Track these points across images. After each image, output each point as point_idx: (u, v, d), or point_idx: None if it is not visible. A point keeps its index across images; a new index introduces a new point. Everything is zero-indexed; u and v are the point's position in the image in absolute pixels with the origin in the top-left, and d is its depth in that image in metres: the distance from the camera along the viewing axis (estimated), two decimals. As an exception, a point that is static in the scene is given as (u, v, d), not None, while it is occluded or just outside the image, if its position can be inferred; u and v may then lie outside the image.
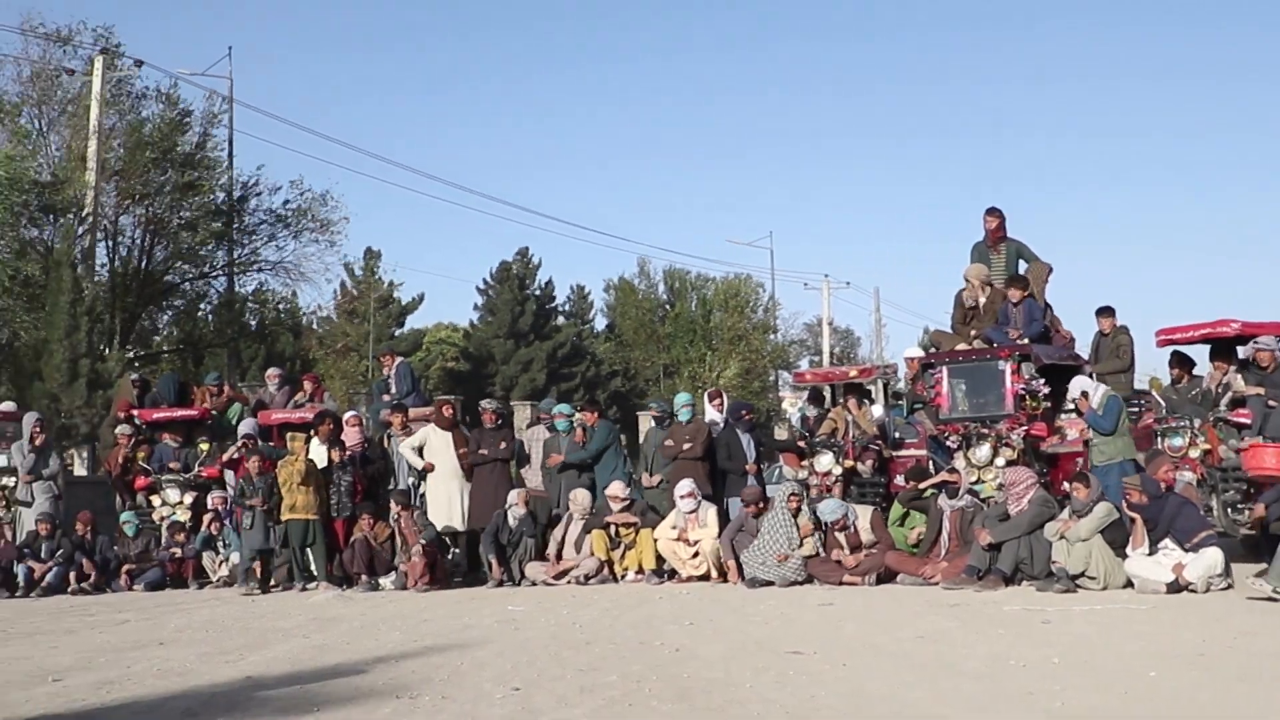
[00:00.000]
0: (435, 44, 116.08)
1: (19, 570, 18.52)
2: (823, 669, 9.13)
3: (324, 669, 9.89)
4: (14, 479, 20.33)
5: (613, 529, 17.78)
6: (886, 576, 15.99)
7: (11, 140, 35.39)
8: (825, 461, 17.78)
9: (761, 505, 16.73)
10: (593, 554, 17.63)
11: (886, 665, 9.27)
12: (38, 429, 20.30)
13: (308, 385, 22.34)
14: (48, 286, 32.18)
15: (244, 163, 56.34)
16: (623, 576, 17.70)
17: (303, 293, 43.06)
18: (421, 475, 19.12)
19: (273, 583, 18.21)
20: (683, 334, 60.02)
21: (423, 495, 19.00)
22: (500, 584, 17.61)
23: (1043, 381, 17.09)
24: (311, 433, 19.10)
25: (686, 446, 18.33)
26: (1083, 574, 14.22)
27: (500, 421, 19.64)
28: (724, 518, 17.54)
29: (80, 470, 29.24)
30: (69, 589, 18.42)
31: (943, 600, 13.78)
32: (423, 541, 17.53)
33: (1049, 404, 17.22)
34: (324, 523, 18.12)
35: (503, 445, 19.02)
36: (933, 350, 19.35)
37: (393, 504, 18.15)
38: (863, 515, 16.44)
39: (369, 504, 18.42)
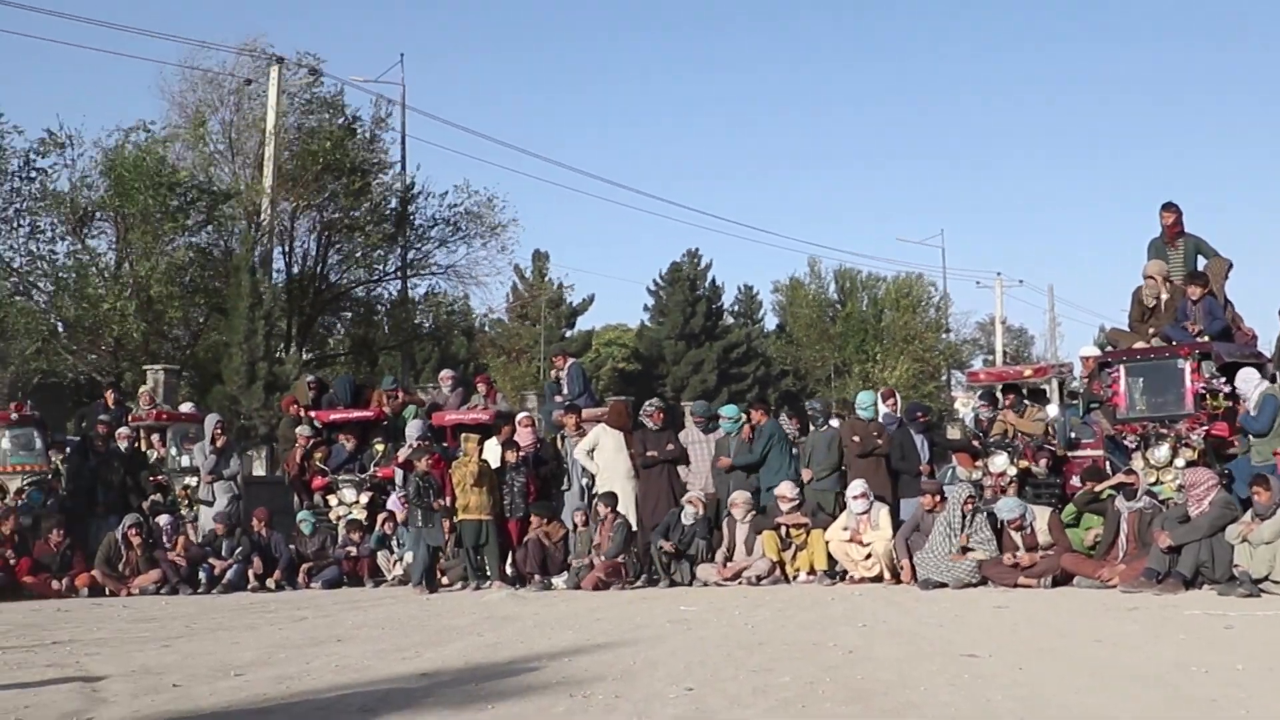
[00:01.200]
0: (604, 46, 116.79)
1: (201, 567, 18.90)
2: (998, 672, 9.00)
3: (498, 666, 9.95)
4: (196, 479, 20.79)
5: (783, 530, 17.72)
6: (1063, 579, 15.74)
7: (199, 153, 36.26)
8: (1000, 462, 17.57)
9: (939, 500, 16.56)
10: (764, 555, 17.58)
11: (1063, 669, 9.11)
12: (219, 430, 20.73)
13: (481, 387, 22.52)
14: (227, 292, 32.86)
15: (416, 165, 57.11)
16: (794, 578, 17.63)
17: (474, 295, 43.39)
18: (594, 476, 19.20)
19: (445, 582, 18.40)
20: (854, 333, 59.63)
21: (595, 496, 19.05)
22: (671, 584, 17.63)
23: (1224, 380, 16.73)
24: (494, 435, 19.31)
25: (879, 442, 18.20)
26: (1266, 578, 13.88)
27: (667, 422, 19.62)
28: (896, 519, 17.39)
29: (259, 470, 29.85)
30: (249, 586, 18.77)
31: (1121, 604, 13.52)
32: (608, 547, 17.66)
33: (1230, 403, 16.84)
34: (498, 523, 18.27)
35: (670, 446, 19.02)
36: (1109, 349, 19.01)
37: (600, 505, 18.20)
38: (1040, 516, 16.20)
39: (543, 504, 18.54)
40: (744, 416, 19.27)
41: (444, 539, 18.21)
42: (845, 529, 17.28)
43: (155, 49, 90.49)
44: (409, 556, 18.97)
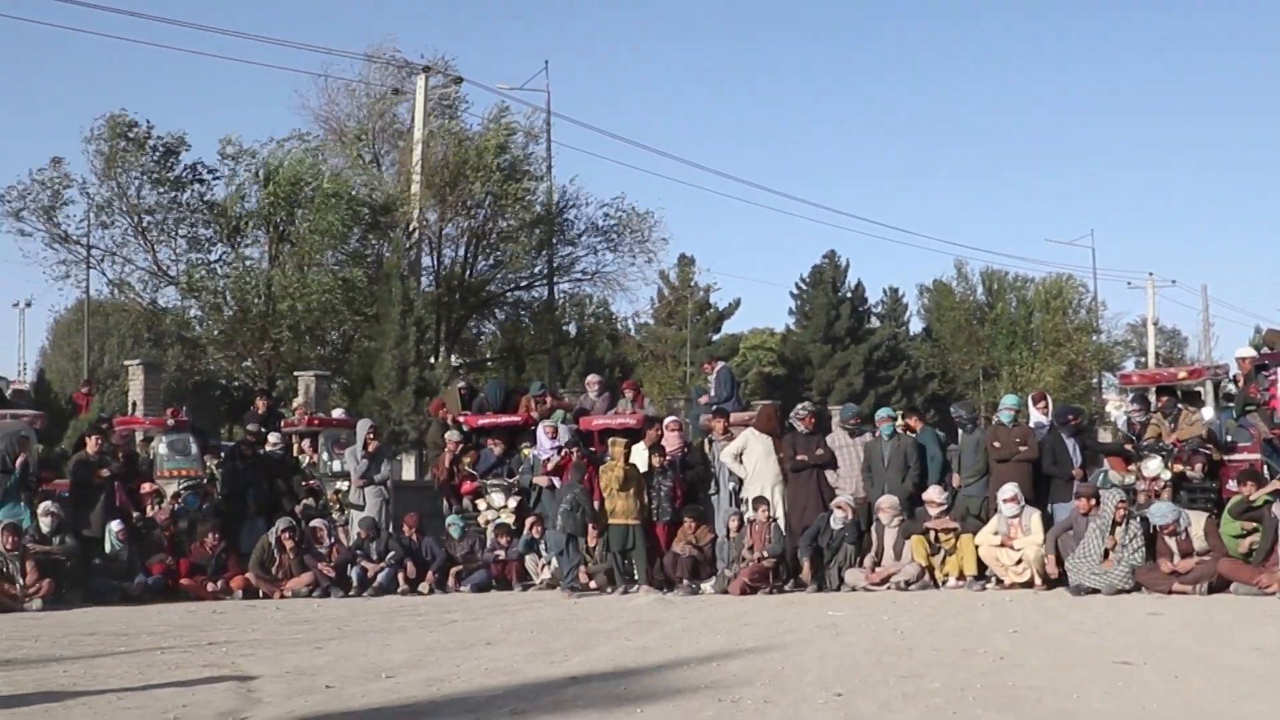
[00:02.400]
0: (745, 48, 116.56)
1: (352, 571, 19.14)
2: (1152, 680, 8.86)
3: (646, 670, 9.98)
4: (347, 483, 21.06)
5: (932, 534, 17.56)
6: (1219, 585, 15.42)
7: (349, 162, 36.83)
8: (1153, 466, 17.28)
9: (1094, 504, 16.31)
10: (913, 560, 17.44)
11: (1221, 678, 8.94)
12: (371, 435, 20.96)
13: (628, 391, 22.55)
14: (378, 298, 33.28)
15: (561, 172, 57.42)
16: (943, 583, 17.46)
17: (618, 300, 43.64)
18: (741, 480, 19.15)
19: (592, 585, 18.47)
20: (1002, 336, 58.93)
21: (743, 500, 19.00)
22: (819, 589, 17.55)
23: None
24: (641, 439, 19.36)
25: (1023, 449, 17.97)
26: None
27: (817, 427, 19.51)
28: (1047, 524, 17.15)
29: (408, 475, 30.16)
30: (399, 589, 18.96)
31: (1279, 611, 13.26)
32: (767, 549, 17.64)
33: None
34: (645, 527, 18.30)
35: (819, 451, 18.91)
36: (1266, 350, 18.61)
37: (751, 510, 18.18)
38: (1195, 521, 15.90)
39: (691, 508, 18.54)
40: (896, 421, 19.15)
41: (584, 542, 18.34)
42: (996, 533, 17.08)
43: (284, 58, 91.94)
44: (556, 560, 19.04)
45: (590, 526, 18.42)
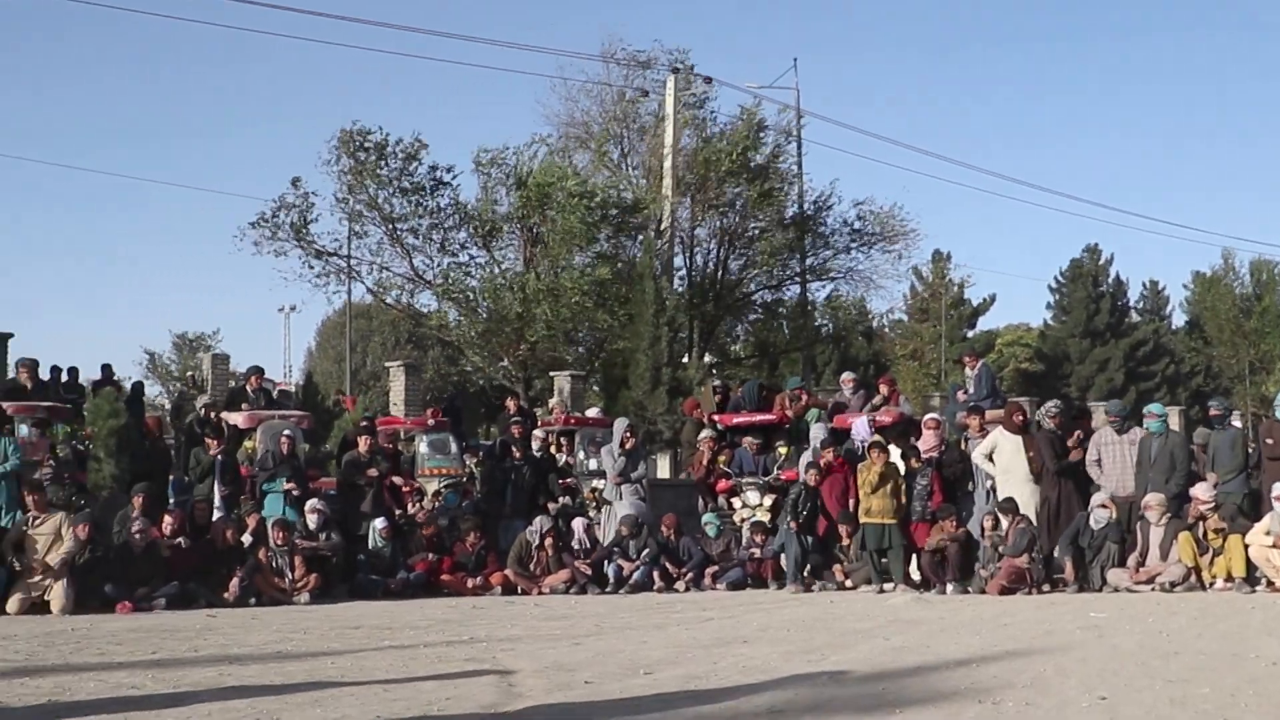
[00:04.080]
0: (994, 40, 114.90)
1: (609, 568, 19.29)
2: None
3: (904, 670, 9.86)
4: (604, 482, 21.25)
5: (1200, 532, 17.04)
6: None
7: (594, 163, 37.26)
8: None
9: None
10: (1179, 560, 16.94)
11: None
12: (628, 434, 21.08)
13: (883, 388, 22.39)
14: (631, 299, 33.56)
15: (811, 169, 57.12)
16: (1211, 584, 16.93)
17: (873, 297, 43.25)
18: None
19: (848, 584, 18.37)
20: (1271, 328, 57.01)
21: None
22: (1080, 589, 17.17)
23: None
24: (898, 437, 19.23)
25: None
26: None
27: (1068, 423, 19.07)
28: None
29: (664, 473, 30.34)
30: (654, 586, 19.06)
31: None
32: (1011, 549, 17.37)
33: None
34: (902, 526, 18.15)
35: (1076, 451, 18.50)
36: None
37: (1000, 510, 17.91)
38: None
39: (947, 508, 18.33)
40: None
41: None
42: (1268, 533, 16.49)
43: (521, 61, 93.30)
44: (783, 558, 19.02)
45: (843, 525, 18.39)
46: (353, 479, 19.58)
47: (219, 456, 19.40)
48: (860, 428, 20.19)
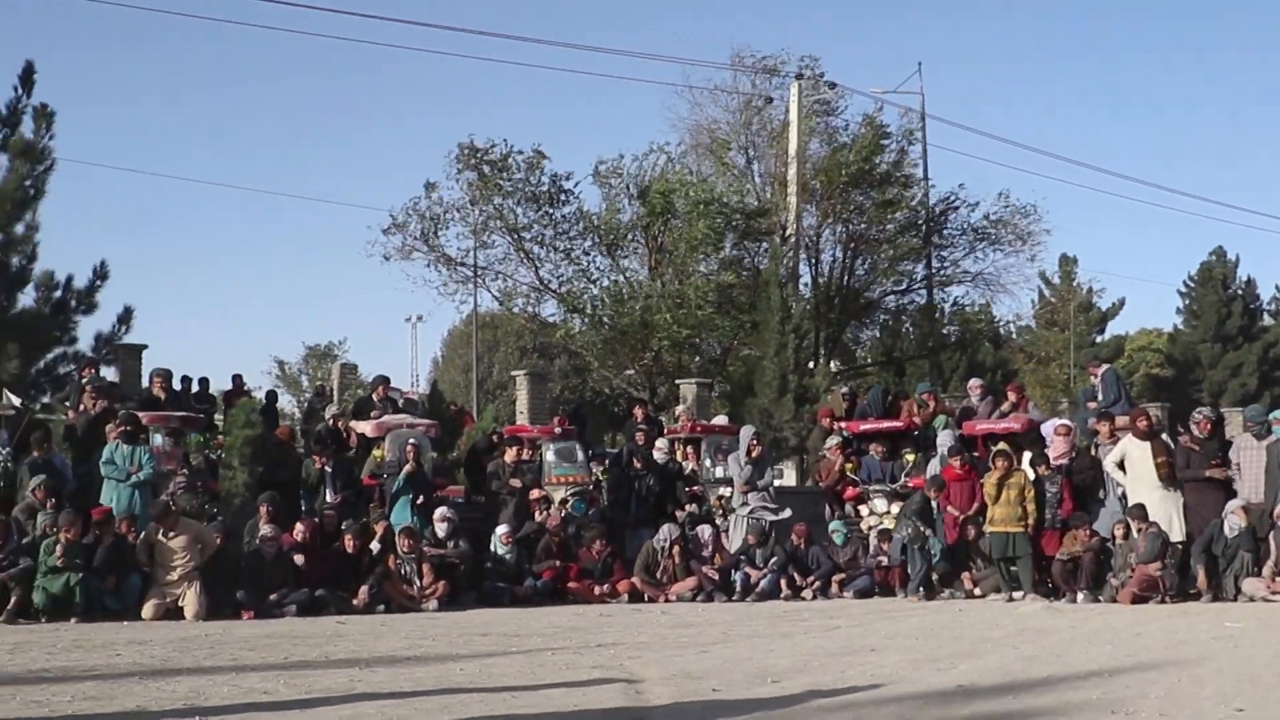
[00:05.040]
0: (1115, 45, 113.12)
1: (736, 576, 19.27)
2: None
3: (1035, 680, 9.76)
4: (730, 489, 21.22)
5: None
6: None
7: (718, 171, 37.26)
8: None
9: None
10: (1315, 569, 16.61)
11: None
12: (754, 442, 21.04)
13: (1011, 395, 22.20)
14: (756, 306, 33.50)
15: (936, 174, 56.58)
16: (1348, 594, 16.58)
17: (1000, 303, 42.79)
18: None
19: (977, 592, 18.23)
20: None
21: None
22: (1214, 598, 16.88)
23: None
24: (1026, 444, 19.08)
25: None
26: None
27: (1213, 431, 18.76)
28: None
29: (789, 481, 30.22)
30: (781, 594, 19.01)
31: None
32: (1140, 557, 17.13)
33: None
34: (1032, 534, 17.97)
35: (1215, 462, 18.19)
36: None
37: (1131, 518, 17.69)
38: None
39: (1081, 515, 18.13)
40: None
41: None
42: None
43: (644, 71, 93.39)
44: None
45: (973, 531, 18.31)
46: (495, 488, 19.84)
47: (325, 468, 19.55)
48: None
